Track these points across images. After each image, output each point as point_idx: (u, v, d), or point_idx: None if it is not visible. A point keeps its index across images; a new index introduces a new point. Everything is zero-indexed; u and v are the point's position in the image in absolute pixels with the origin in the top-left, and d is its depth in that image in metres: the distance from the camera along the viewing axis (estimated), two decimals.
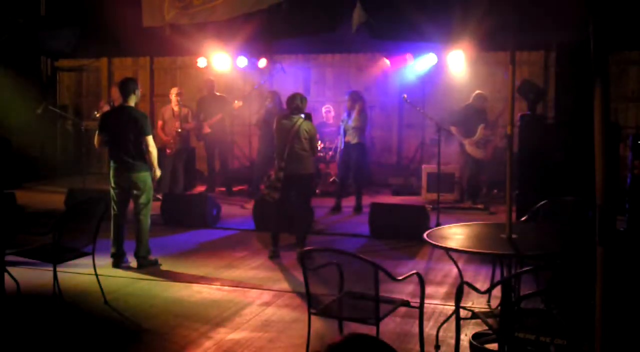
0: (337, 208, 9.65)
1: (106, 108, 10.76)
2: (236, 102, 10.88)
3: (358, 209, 9.63)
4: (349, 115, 9.68)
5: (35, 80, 13.76)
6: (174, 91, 10.48)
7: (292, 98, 7.13)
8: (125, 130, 6.48)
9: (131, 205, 6.69)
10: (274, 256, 6.99)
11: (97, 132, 6.70)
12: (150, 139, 6.56)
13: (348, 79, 12.68)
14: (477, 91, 10.05)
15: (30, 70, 13.64)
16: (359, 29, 3.85)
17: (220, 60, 12.11)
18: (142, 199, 6.57)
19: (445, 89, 11.68)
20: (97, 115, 10.70)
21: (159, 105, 10.70)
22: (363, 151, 9.76)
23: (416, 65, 11.78)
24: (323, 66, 13.03)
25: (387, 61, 11.97)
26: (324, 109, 11.69)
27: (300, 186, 7.03)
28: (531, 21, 3.63)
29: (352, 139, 9.57)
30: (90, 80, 14.39)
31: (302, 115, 7.05)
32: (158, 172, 6.69)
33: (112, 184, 6.63)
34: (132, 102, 6.62)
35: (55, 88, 14.49)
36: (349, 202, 9.95)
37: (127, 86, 6.65)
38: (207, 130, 10.81)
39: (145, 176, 6.57)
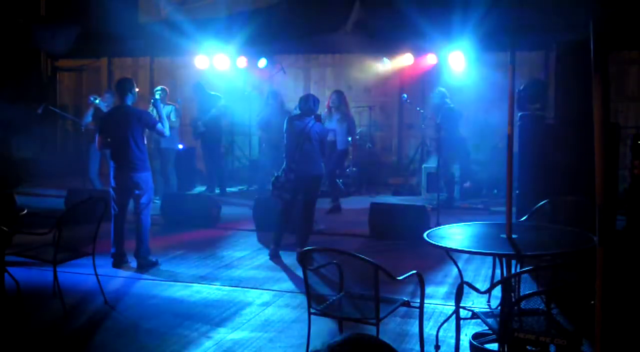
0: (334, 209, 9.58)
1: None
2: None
3: (335, 208, 9.56)
4: (330, 114, 9.62)
5: (35, 80, 13.76)
6: (157, 89, 10.47)
7: (306, 99, 7.13)
8: (125, 130, 6.48)
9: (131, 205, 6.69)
10: (274, 255, 6.99)
11: (97, 134, 6.70)
12: (159, 126, 6.65)
13: (348, 79, 12.67)
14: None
15: (30, 70, 13.65)
16: (355, 28, 3.86)
17: (220, 60, 12.11)
18: (144, 199, 6.57)
19: (445, 89, 11.67)
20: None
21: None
22: (345, 156, 9.74)
23: (416, 65, 11.78)
24: (323, 66, 13.03)
25: (387, 61, 11.97)
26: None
27: (310, 186, 7.03)
28: (531, 21, 3.64)
29: (333, 140, 9.53)
30: (90, 80, 14.38)
31: (313, 117, 7.06)
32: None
33: (113, 184, 6.63)
34: (129, 101, 6.62)
35: (55, 88, 14.49)
36: (348, 204, 9.94)
37: (123, 86, 6.65)
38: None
39: (146, 175, 6.58)
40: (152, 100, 7.41)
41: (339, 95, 9.72)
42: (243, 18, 11.09)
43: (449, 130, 9.93)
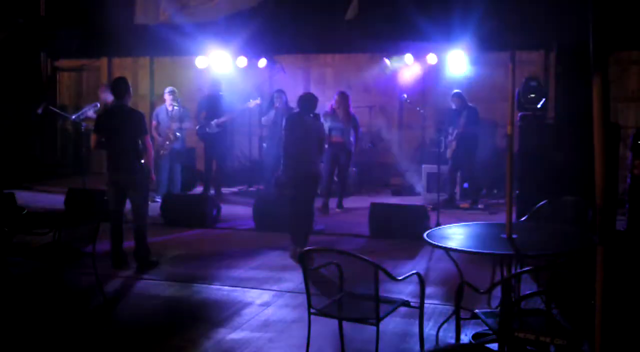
0: (325, 209, 9.45)
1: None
2: (251, 100, 10.86)
3: (341, 206, 9.68)
4: (333, 113, 9.60)
5: (35, 80, 13.75)
6: (167, 90, 10.43)
7: (304, 98, 7.14)
8: (122, 130, 6.45)
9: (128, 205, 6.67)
10: (295, 255, 6.75)
11: (93, 132, 6.65)
12: (148, 138, 6.58)
13: (348, 79, 12.65)
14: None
15: (30, 70, 13.64)
16: (349, 25, 3.86)
17: (220, 60, 12.10)
18: (139, 200, 6.55)
19: (445, 89, 11.66)
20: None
21: (159, 105, 10.73)
22: (350, 155, 9.73)
23: (416, 66, 11.78)
24: (323, 66, 13.02)
25: (387, 61, 11.97)
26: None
27: (307, 185, 7.02)
28: (531, 21, 3.64)
29: (341, 140, 9.52)
30: (90, 80, 14.37)
31: (312, 115, 7.07)
32: (153, 176, 6.72)
33: (109, 184, 6.61)
34: (127, 101, 6.59)
35: (55, 88, 14.48)
36: (348, 204, 9.92)
37: (119, 86, 6.58)
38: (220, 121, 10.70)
39: (141, 176, 6.55)
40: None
41: (341, 94, 9.64)
42: (243, 18, 11.10)
43: (476, 129, 9.85)
